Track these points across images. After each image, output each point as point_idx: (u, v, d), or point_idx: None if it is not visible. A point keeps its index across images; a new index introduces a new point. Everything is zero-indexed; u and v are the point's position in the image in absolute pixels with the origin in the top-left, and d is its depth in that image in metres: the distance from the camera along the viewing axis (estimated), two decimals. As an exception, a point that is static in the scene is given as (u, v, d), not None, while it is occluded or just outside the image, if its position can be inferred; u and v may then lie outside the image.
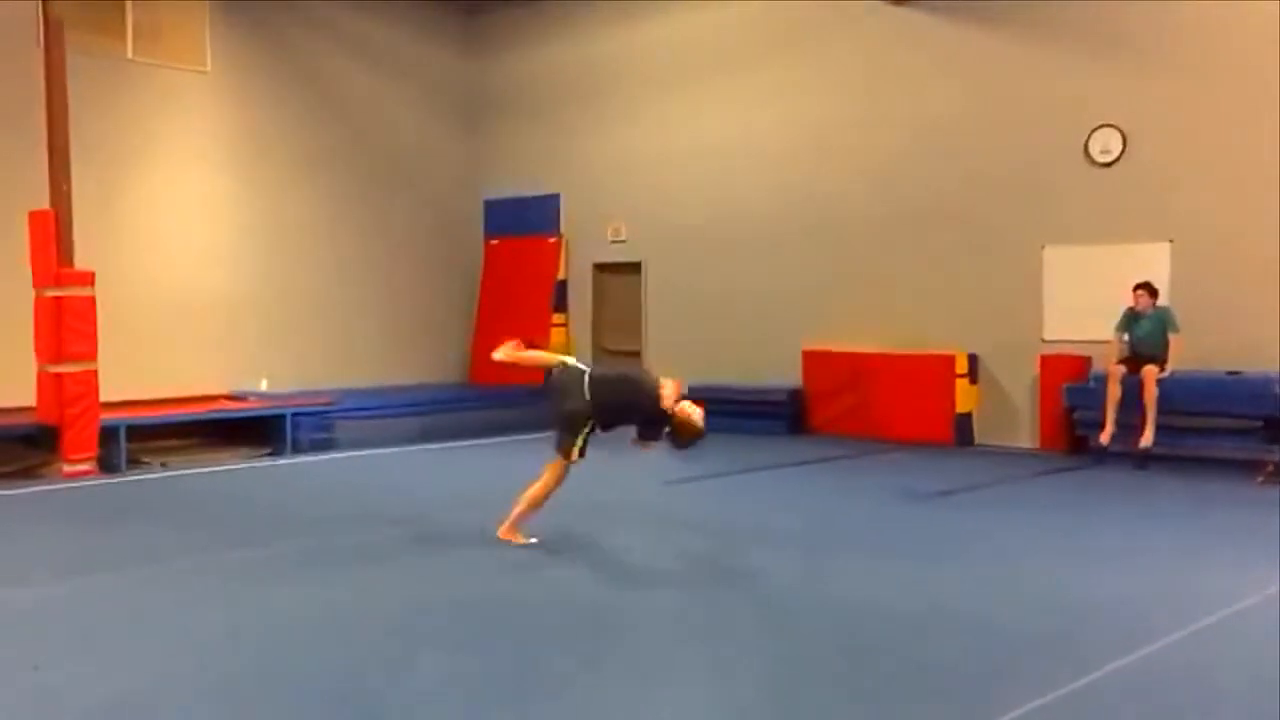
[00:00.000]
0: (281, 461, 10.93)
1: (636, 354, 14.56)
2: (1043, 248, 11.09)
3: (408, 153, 15.18)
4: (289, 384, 12.98)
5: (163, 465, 10.43)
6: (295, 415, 11.44)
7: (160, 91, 12.71)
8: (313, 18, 14.06)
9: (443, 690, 4.26)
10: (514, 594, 5.69)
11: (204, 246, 13.06)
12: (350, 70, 14.52)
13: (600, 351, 15.02)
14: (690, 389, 13.24)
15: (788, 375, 12.57)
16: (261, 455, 11.15)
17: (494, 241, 15.79)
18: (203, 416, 11.37)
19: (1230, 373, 9.68)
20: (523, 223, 15.40)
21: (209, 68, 13.09)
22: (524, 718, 3.96)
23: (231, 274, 13.24)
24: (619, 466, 10.57)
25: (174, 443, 11.03)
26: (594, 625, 5.13)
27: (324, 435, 11.52)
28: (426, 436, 12.10)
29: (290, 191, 13.85)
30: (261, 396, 12.29)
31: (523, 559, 6.47)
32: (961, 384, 11.46)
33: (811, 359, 12.33)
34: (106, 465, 9.98)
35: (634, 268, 14.47)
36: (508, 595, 5.67)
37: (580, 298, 15.05)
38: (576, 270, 15.05)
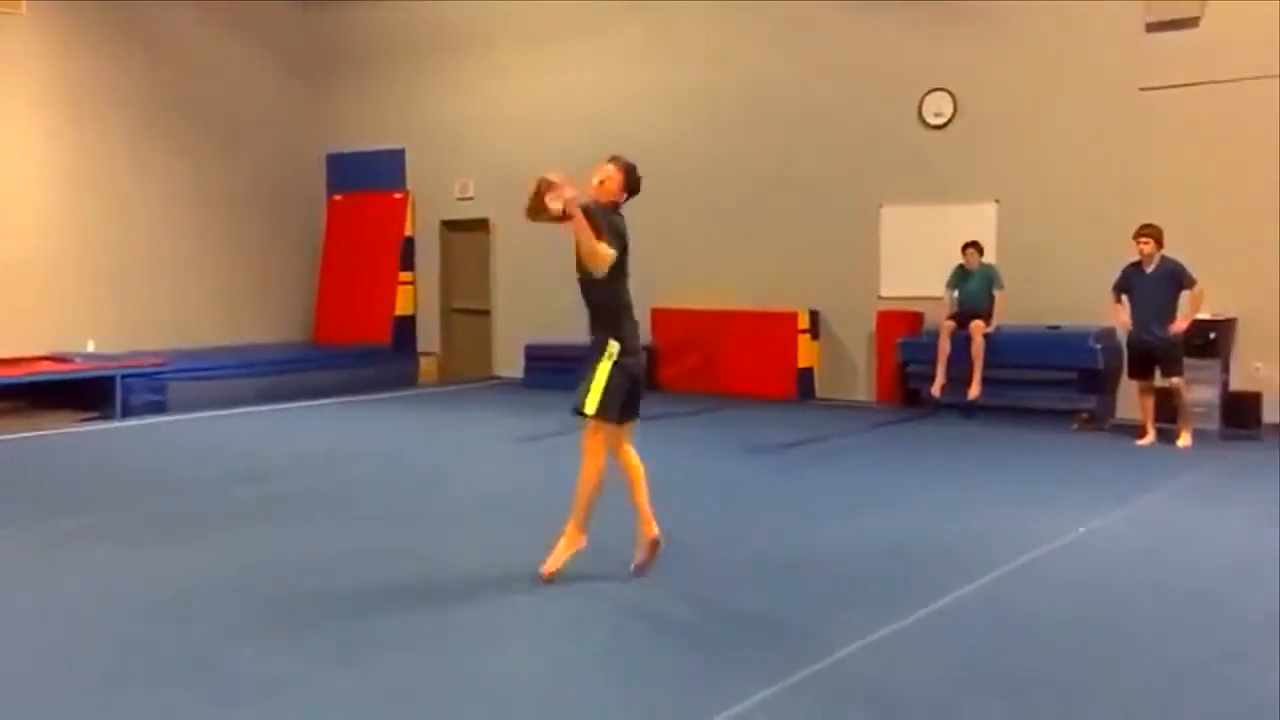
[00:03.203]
0: (110, 425, 10.49)
1: (486, 312, 14.46)
2: (880, 207, 11.45)
3: (245, 104, 14.59)
4: (120, 345, 12.41)
5: (-20, 431, 9.88)
6: (125, 377, 10.97)
7: (-32, 33, 11.89)
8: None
9: (269, 662, 4.20)
10: (343, 562, 5.63)
11: (20, 199, 12.30)
12: (183, 17, 13.83)
13: (449, 310, 14.86)
14: (538, 347, 13.34)
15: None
16: (89, 419, 10.67)
17: (337, 198, 15.37)
18: (24, 380, 10.78)
19: (1050, 328, 10.22)
20: (367, 178, 15.03)
21: (24, 9, 12.27)
22: (362, 684, 3.94)
23: (52, 229, 12.52)
24: (469, 423, 10.54)
25: (-8, 407, 10.47)
26: (427, 588, 5.13)
27: (156, 398, 11.10)
28: (266, 398, 11.77)
29: (117, 143, 13.16)
30: (88, 358, 11.73)
31: (354, 526, 6.40)
32: (803, 340, 11.78)
33: (659, 317, 12.45)
34: (-83, 432, 9.41)
35: (482, 224, 14.32)
36: (332, 564, 5.60)
37: (427, 255, 14.82)
38: (424, 227, 14.80)
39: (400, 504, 6.94)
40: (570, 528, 5.11)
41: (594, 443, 5.09)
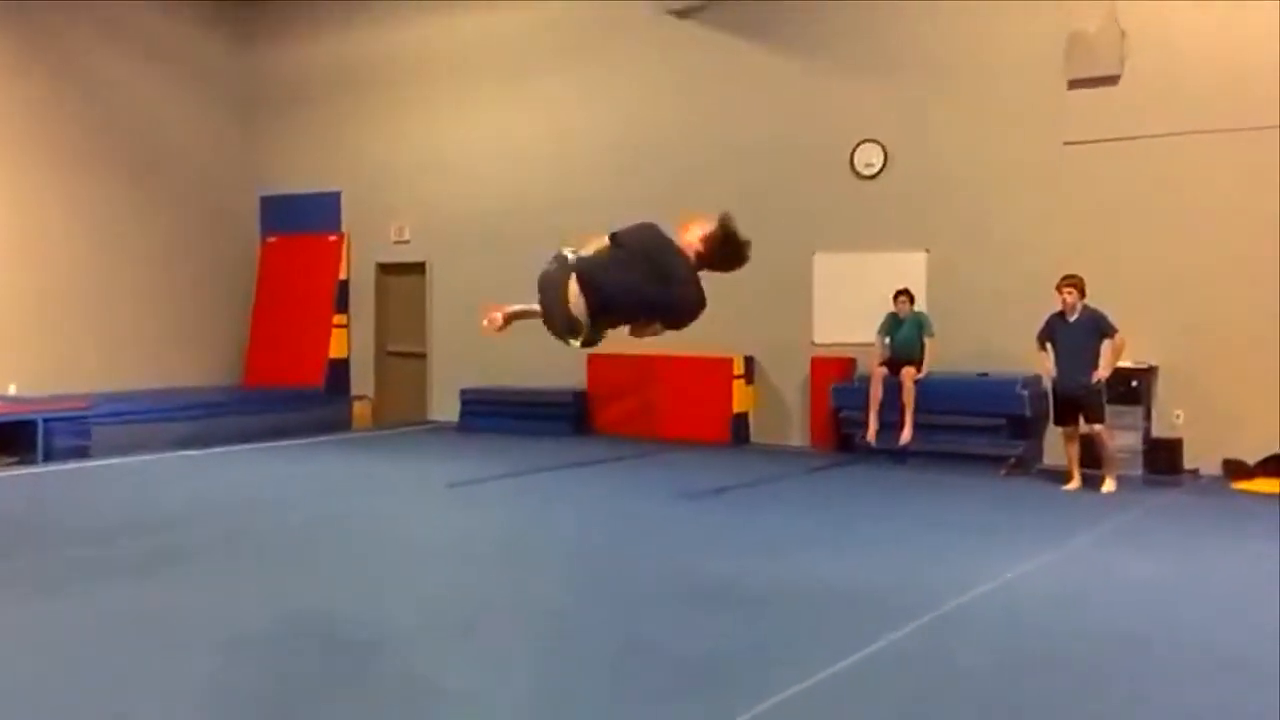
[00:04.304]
0: (29, 470, 10.21)
1: (421, 356, 14.38)
2: (813, 255, 11.63)
3: (176, 144, 14.42)
4: (43, 388, 12.10)
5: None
6: (47, 420, 10.71)
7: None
8: (75, 7, 13.13)
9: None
10: (257, 612, 5.53)
11: (-58, 238, 12.04)
12: (113, 53, 13.67)
13: (383, 354, 14.75)
14: (474, 391, 13.28)
15: (573, 377, 12.68)
16: (9, 464, 10.38)
17: (271, 239, 15.23)
18: (-60, 423, 10.48)
19: (979, 374, 10.41)
20: (302, 220, 14.91)
21: (-51, 45, 12.09)
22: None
23: (-26, 269, 12.25)
24: (400, 468, 10.44)
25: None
26: (345, 637, 5.05)
27: (80, 442, 10.84)
28: (194, 442, 11.55)
29: (41, 180, 12.89)
30: (9, 401, 11.44)
31: (273, 575, 6.29)
32: (739, 385, 11.87)
33: (596, 361, 12.48)
34: None
35: (418, 268, 14.27)
36: (245, 614, 5.50)
37: (363, 298, 14.71)
38: (359, 270, 14.71)
39: (322, 552, 6.82)
40: None
41: None
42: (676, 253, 4.20)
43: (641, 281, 4.15)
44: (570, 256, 4.24)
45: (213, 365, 14.71)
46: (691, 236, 4.20)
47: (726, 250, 4.22)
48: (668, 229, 4.31)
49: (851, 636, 4.87)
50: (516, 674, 4.52)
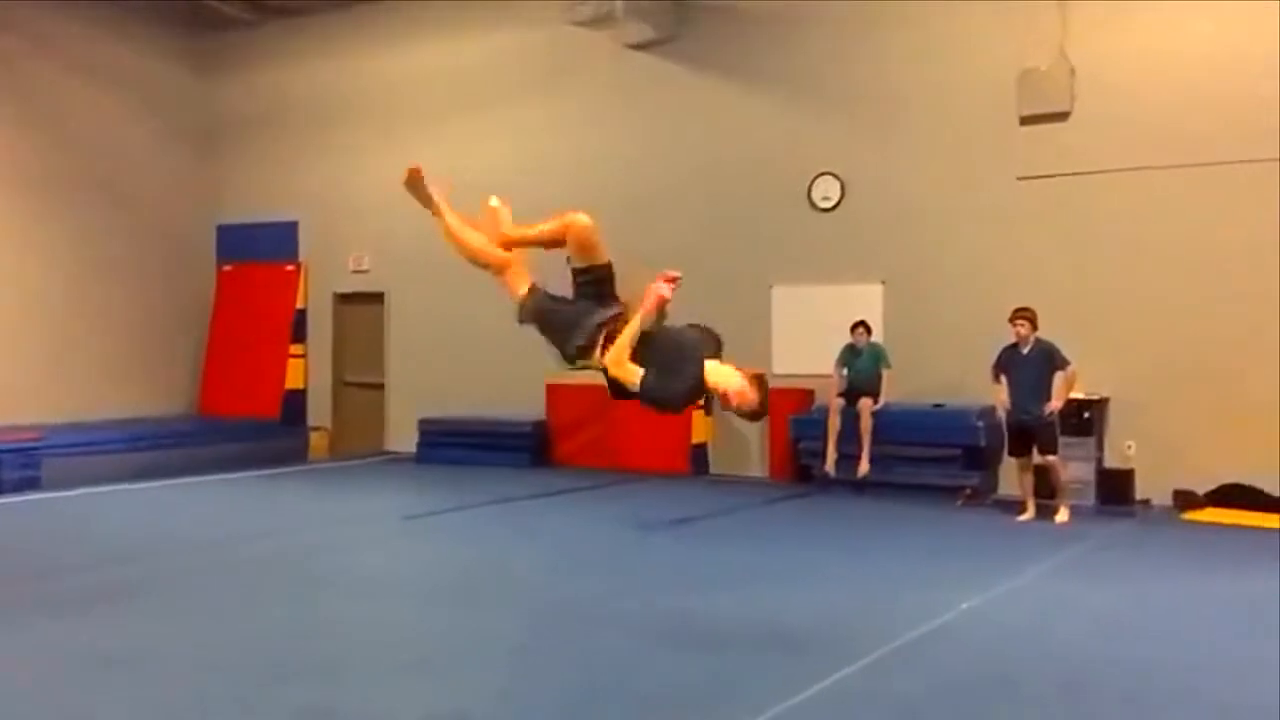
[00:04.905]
0: (-22, 503, 10.02)
1: (379, 386, 14.28)
2: (771, 287, 11.71)
3: (132, 172, 14.29)
4: (-8, 418, 11.91)
5: None
6: (-3, 452, 10.53)
7: None
8: (29, 31, 13.03)
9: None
10: (204, 648, 5.45)
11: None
12: (69, 82, 13.55)
13: (341, 384, 14.64)
14: (432, 421, 13.20)
15: (532, 408, 12.65)
16: (-45, 497, 10.18)
17: (227, 268, 15.11)
18: (-116, 455, 10.26)
19: (936, 406, 10.51)
20: (259, 250, 14.81)
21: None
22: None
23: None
24: (356, 500, 10.35)
25: None
26: (293, 673, 4.98)
27: (30, 473, 10.66)
28: (148, 474, 11.38)
29: (-5, 209, 12.76)
30: (-44, 432, 11.23)
31: (223, 610, 6.20)
32: (698, 415, 11.88)
33: (555, 392, 12.46)
34: None
35: (377, 298, 14.20)
36: (191, 652, 5.42)
37: (320, 328, 14.62)
38: (316, 300, 14.62)
39: (274, 587, 6.71)
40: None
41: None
42: (698, 364, 4.42)
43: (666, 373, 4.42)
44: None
45: (167, 396, 14.53)
46: (726, 383, 4.36)
47: (750, 417, 4.47)
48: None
49: (807, 672, 4.87)
50: (471, 713, 4.48)
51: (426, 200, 5.04)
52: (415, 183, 5.05)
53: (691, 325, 4.65)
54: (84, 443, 11.43)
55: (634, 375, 4.38)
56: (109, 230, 13.92)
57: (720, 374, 4.37)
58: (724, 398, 4.35)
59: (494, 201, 5.00)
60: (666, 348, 4.43)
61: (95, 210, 13.78)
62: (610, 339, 4.48)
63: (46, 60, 13.35)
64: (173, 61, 14.86)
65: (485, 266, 4.85)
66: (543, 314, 4.65)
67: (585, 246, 4.53)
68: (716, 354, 4.49)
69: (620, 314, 4.54)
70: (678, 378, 4.40)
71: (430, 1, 13.69)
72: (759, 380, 4.37)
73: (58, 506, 9.93)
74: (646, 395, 4.41)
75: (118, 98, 14.16)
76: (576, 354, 4.58)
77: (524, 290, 4.68)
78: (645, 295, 4.46)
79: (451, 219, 4.95)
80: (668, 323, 4.56)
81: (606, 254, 4.59)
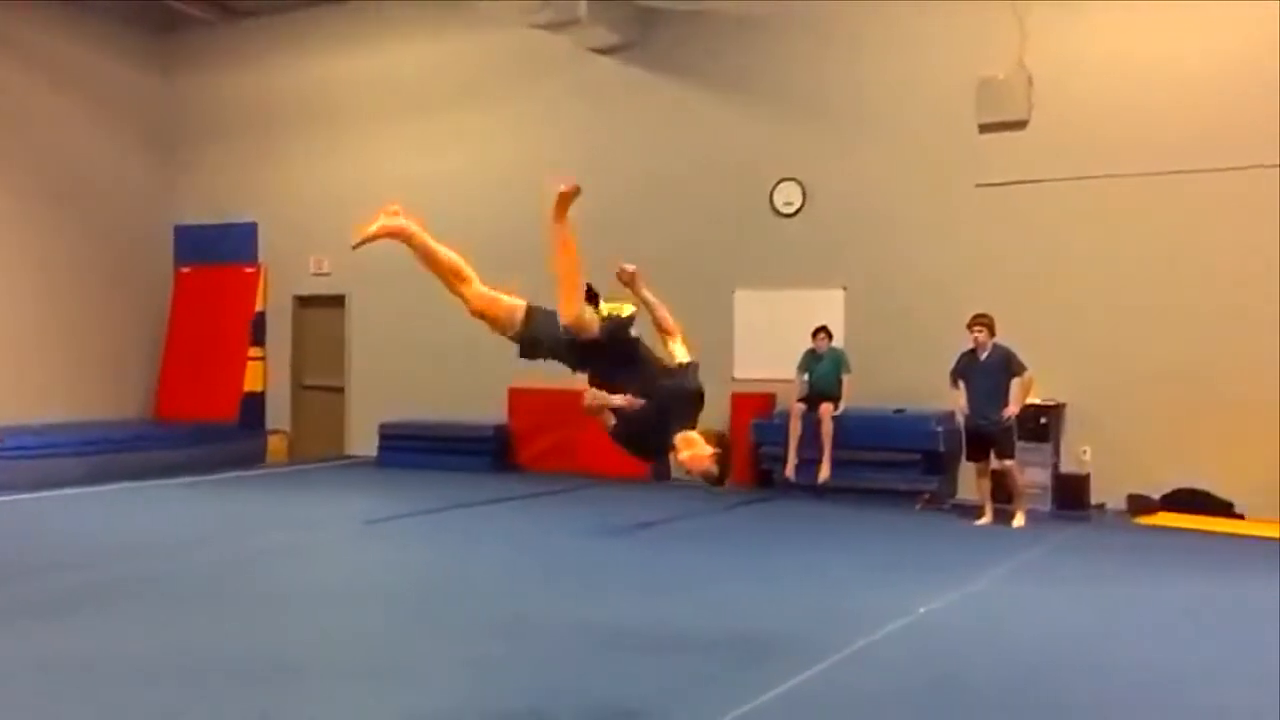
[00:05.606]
0: (-73, 508, 9.84)
1: (339, 390, 14.18)
2: (733, 292, 11.75)
3: (88, 172, 14.10)
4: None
5: None
6: (-54, 456, 10.35)
7: None
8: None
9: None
10: (159, 656, 5.38)
11: None
12: (25, 80, 13.35)
13: (300, 387, 14.52)
14: (393, 425, 13.11)
15: (494, 412, 12.61)
16: (-97, 501, 9.99)
17: (185, 270, 14.94)
18: None
19: (896, 411, 10.59)
20: (218, 252, 14.66)
21: None
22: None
23: None
24: (315, 504, 10.26)
25: None
26: (252, 681, 4.94)
27: (-19, 477, 10.48)
28: (102, 478, 11.22)
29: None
30: (-95, 435, 11.02)
31: (176, 616, 6.14)
32: (660, 420, 11.88)
33: (516, 397, 12.43)
34: None
35: (338, 300, 14.10)
36: (146, 658, 5.36)
37: (279, 330, 14.49)
38: (276, 302, 14.49)
39: (231, 592, 6.63)
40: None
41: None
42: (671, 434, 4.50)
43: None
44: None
45: (123, 398, 14.34)
46: (694, 456, 4.41)
47: (709, 480, 4.51)
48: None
49: (766, 676, 4.89)
50: (430, 718, 4.45)
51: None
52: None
53: (687, 365, 4.81)
54: (38, 445, 11.26)
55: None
56: (64, 230, 13.74)
57: (690, 444, 4.42)
58: (687, 462, 4.43)
59: (393, 208, 4.89)
60: (653, 392, 4.55)
61: (50, 210, 13.59)
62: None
63: (6, 63, 13.15)
64: (131, 61, 14.69)
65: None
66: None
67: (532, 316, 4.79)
68: (695, 418, 4.55)
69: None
70: (652, 436, 4.55)
71: (392, 3, 13.63)
72: (723, 455, 4.44)
73: (9, 511, 9.75)
74: (617, 439, 4.67)
75: (74, 97, 13.97)
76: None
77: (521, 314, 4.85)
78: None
79: (479, 287, 4.97)
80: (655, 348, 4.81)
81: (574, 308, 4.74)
